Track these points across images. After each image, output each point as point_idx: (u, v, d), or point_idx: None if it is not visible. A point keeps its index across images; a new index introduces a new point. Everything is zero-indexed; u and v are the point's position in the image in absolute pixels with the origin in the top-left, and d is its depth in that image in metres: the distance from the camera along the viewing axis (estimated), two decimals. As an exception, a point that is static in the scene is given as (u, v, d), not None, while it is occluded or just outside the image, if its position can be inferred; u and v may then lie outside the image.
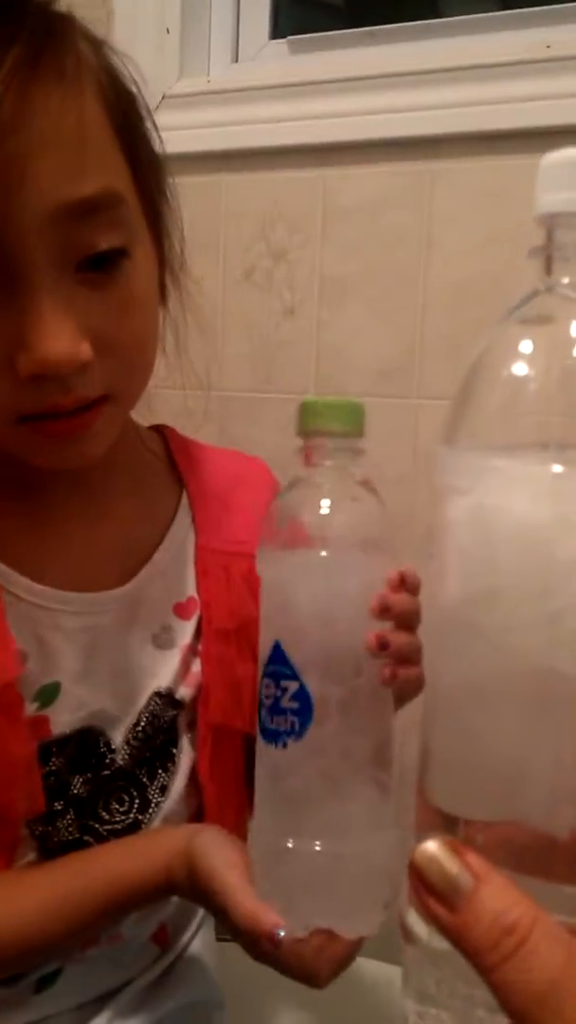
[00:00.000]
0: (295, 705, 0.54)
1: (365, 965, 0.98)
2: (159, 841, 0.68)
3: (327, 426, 0.55)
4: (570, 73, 1.15)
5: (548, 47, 1.17)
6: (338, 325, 1.28)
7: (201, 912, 0.88)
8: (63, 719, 0.71)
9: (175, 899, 0.81)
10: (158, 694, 0.76)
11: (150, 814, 0.76)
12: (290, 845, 0.54)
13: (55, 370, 0.58)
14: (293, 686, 0.54)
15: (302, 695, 0.54)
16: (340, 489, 0.55)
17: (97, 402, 0.62)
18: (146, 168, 0.65)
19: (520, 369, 0.33)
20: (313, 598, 0.54)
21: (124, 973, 0.80)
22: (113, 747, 0.74)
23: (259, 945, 0.58)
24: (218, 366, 1.34)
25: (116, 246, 0.60)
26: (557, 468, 0.32)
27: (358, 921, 0.56)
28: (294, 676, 0.54)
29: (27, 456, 0.65)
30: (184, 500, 0.80)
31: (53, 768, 0.71)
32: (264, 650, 0.56)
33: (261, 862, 0.58)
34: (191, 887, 0.63)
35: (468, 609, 0.34)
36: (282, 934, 0.55)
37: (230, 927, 0.60)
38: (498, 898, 0.30)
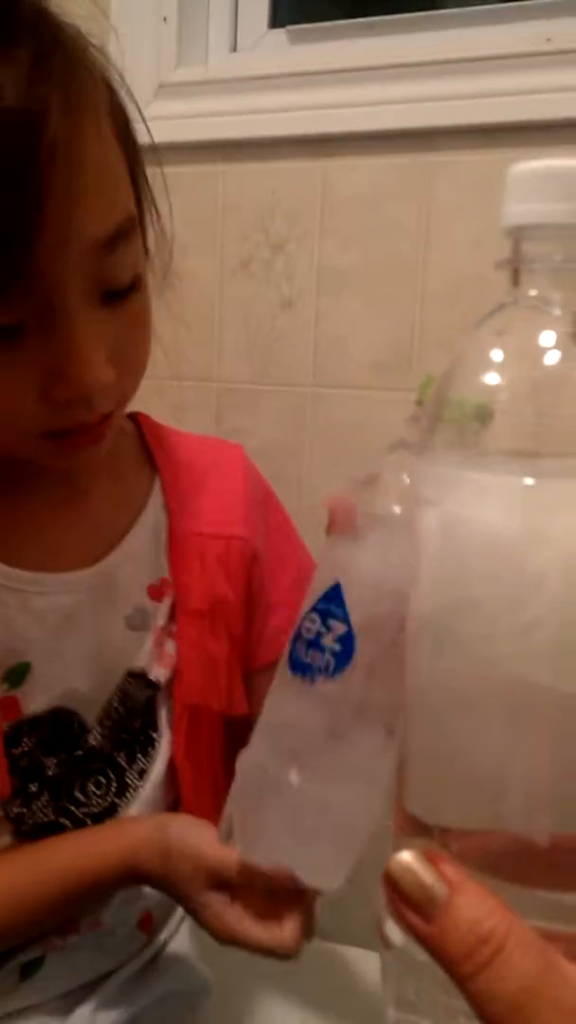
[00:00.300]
0: (337, 647, 0.54)
1: (349, 953, 0.99)
2: (124, 830, 0.71)
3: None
4: (570, 66, 1.14)
5: (548, 40, 1.16)
6: (336, 316, 1.28)
7: None
8: (35, 700, 0.72)
9: None
10: (131, 674, 0.77)
11: (127, 798, 0.77)
12: (277, 775, 0.55)
13: (90, 393, 0.60)
14: (340, 628, 0.54)
15: (347, 640, 0.54)
16: None
17: (110, 416, 0.65)
18: (141, 175, 0.66)
19: (489, 381, 0.33)
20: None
21: (110, 961, 0.81)
22: (87, 727, 0.75)
23: (225, 923, 0.64)
24: (216, 357, 1.34)
25: (136, 275, 0.62)
26: (527, 480, 0.32)
27: (321, 873, 0.57)
28: (344, 620, 0.54)
29: (41, 462, 0.67)
30: (157, 484, 0.81)
31: (26, 749, 0.72)
32: (320, 585, 0.56)
33: (243, 785, 0.58)
34: (163, 872, 0.66)
35: (442, 618, 0.34)
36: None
37: (202, 901, 0.64)
38: (473, 907, 0.30)
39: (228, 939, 0.65)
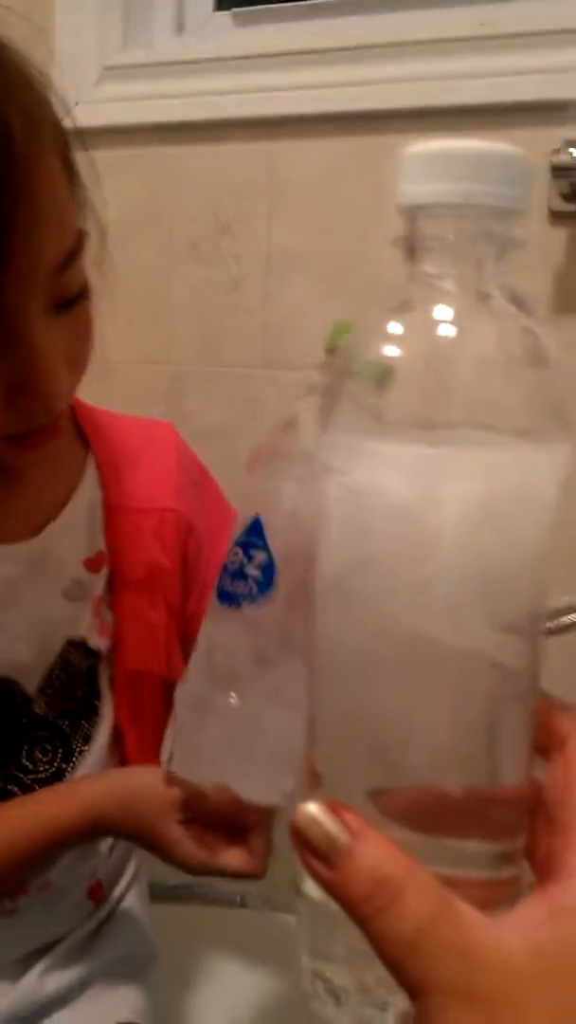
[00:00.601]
0: (258, 575, 0.58)
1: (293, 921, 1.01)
2: (81, 787, 0.75)
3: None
4: (509, 50, 1.16)
5: (482, 24, 1.17)
6: (285, 299, 1.29)
7: (134, 866, 0.91)
8: None
9: (109, 852, 0.86)
10: (71, 643, 0.79)
11: (74, 763, 0.80)
12: (211, 697, 0.58)
13: (53, 400, 0.62)
14: (262, 557, 0.58)
15: (268, 568, 0.58)
16: None
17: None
18: (79, 182, 0.67)
19: (388, 355, 0.34)
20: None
21: (58, 928, 0.83)
22: (29, 696, 0.77)
23: (194, 854, 0.69)
24: (166, 340, 1.35)
25: (83, 283, 0.64)
26: (423, 447, 0.33)
27: (257, 785, 0.60)
28: (265, 549, 0.58)
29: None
30: (91, 462, 0.83)
31: None
32: (242, 521, 0.60)
33: (180, 711, 0.61)
34: (125, 817, 0.71)
35: (346, 577, 0.35)
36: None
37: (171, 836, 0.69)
38: (373, 854, 0.31)
39: (200, 869, 0.69)
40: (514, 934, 0.31)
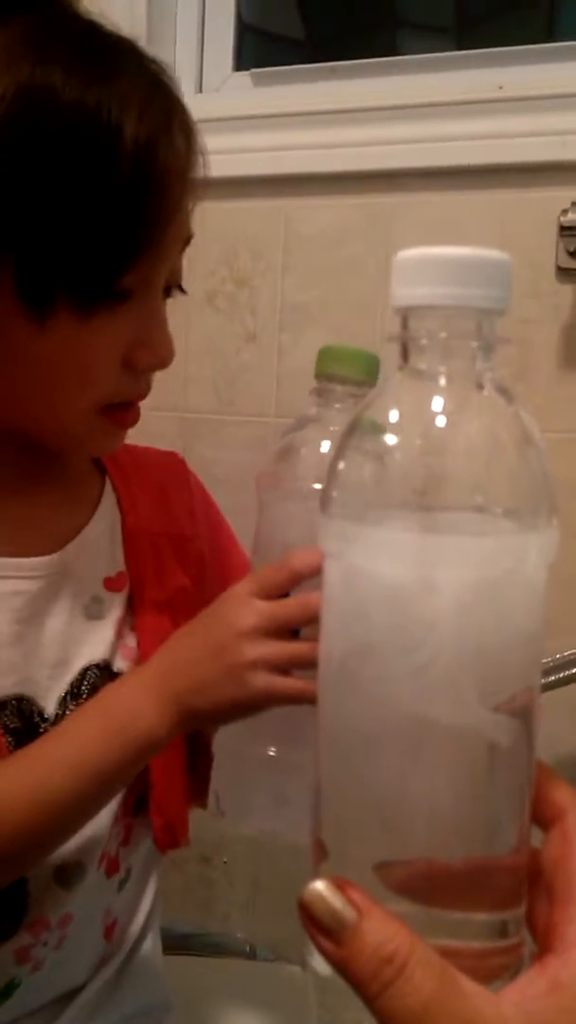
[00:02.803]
0: None
1: (300, 972, 1.01)
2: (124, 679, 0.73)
3: (341, 371, 0.64)
4: (520, 113, 1.19)
5: (500, 88, 1.21)
6: (298, 350, 1.32)
7: (148, 907, 0.89)
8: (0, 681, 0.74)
9: (120, 887, 0.83)
10: (96, 666, 0.79)
11: None
12: (248, 748, 0.58)
13: (165, 364, 0.73)
14: None
15: None
16: None
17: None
18: None
19: (383, 443, 0.37)
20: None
21: (78, 973, 0.82)
22: (45, 716, 0.76)
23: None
24: (182, 388, 1.38)
25: (179, 279, 0.76)
26: (418, 533, 0.35)
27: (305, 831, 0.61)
28: None
29: (82, 442, 0.77)
30: (108, 485, 0.85)
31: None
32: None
33: (224, 762, 0.61)
34: (185, 643, 0.70)
35: (345, 661, 0.37)
36: None
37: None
38: (378, 930, 0.32)
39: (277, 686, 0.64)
40: (514, 1007, 0.32)
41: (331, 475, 0.37)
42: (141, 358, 0.71)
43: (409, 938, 0.32)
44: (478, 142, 1.20)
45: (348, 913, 0.33)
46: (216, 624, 0.68)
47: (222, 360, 1.36)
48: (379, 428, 0.36)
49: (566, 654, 1.11)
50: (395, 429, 0.37)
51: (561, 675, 1.11)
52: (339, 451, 0.37)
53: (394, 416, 0.37)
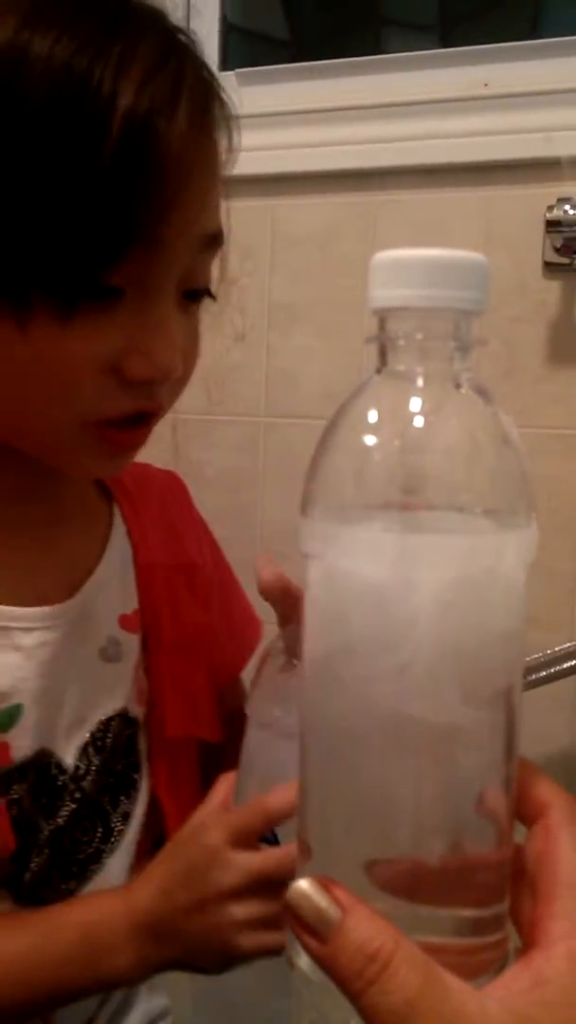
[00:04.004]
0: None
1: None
2: (77, 909, 0.68)
3: None
4: (505, 110, 1.19)
5: (485, 85, 1.21)
6: (287, 350, 1.32)
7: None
8: (23, 743, 0.69)
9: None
10: (118, 716, 0.75)
11: (112, 843, 0.75)
12: None
13: (165, 376, 0.62)
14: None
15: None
16: None
17: (153, 417, 0.66)
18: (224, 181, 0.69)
19: (361, 444, 0.37)
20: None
21: (83, 1013, 0.77)
22: (64, 768, 0.72)
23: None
24: (171, 389, 1.38)
25: (208, 283, 0.67)
26: (397, 533, 0.36)
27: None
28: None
29: (74, 460, 0.67)
30: (116, 513, 0.80)
31: (15, 797, 0.68)
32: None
33: None
34: (163, 892, 0.64)
35: (327, 662, 0.37)
36: None
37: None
38: (362, 927, 0.32)
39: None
40: (498, 1004, 0.32)
41: (310, 476, 0.38)
42: (133, 367, 0.60)
43: (393, 935, 0.32)
44: (464, 140, 1.21)
45: (332, 911, 0.33)
46: (197, 881, 0.63)
47: (211, 360, 1.36)
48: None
49: (555, 649, 1.12)
50: (374, 430, 0.37)
51: (551, 670, 1.11)
52: (318, 452, 0.37)
53: (373, 417, 0.37)
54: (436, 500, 0.36)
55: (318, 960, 0.33)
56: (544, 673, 1.10)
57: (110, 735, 0.75)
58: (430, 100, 1.23)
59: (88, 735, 0.74)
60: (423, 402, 0.36)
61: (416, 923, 0.35)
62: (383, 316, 0.37)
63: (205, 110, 0.61)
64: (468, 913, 0.37)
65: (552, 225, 1.16)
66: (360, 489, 0.37)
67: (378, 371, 0.37)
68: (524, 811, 0.38)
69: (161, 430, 1.36)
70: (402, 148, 1.23)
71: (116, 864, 0.76)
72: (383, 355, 0.37)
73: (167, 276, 0.61)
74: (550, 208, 1.15)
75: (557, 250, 1.18)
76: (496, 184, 1.21)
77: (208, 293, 0.67)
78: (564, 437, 1.19)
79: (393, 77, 1.30)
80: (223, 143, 0.65)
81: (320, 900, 0.33)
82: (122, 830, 0.76)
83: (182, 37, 0.61)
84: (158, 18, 0.61)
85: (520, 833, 0.39)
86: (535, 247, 1.18)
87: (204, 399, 1.37)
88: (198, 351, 0.69)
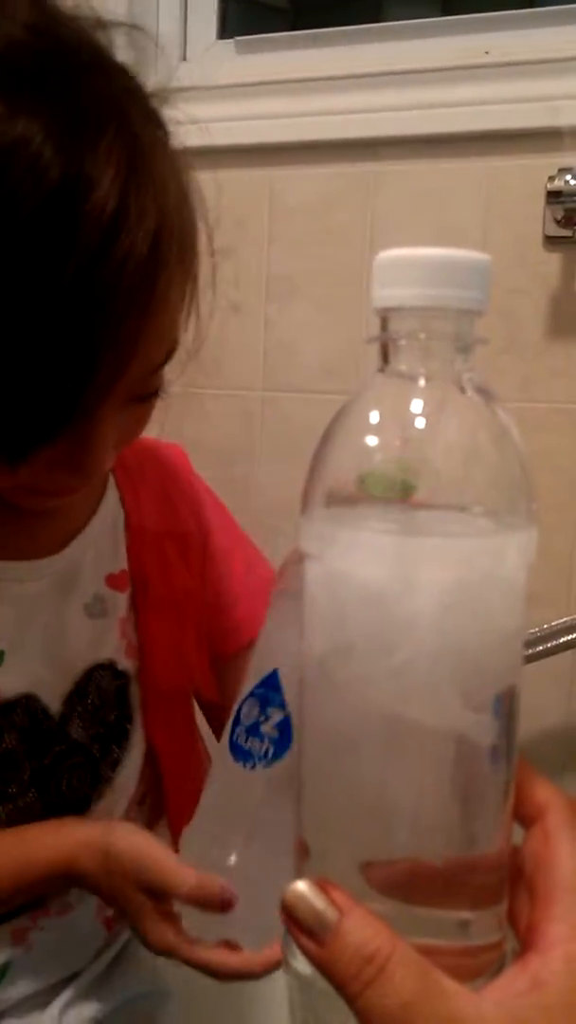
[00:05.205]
0: (275, 734, 0.55)
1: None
2: (69, 829, 0.71)
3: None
4: (506, 79, 1.18)
5: (486, 53, 1.20)
6: (284, 322, 1.31)
7: None
8: (6, 686, 0.74)
9: None
10: (101, 666, 0.79)
11: (100, 790, 0.79)
12: (220, 857, 0.56)
13: (90, 484, 0.64)
14: (278, 715, 0.55)
15: (285, 727, 0.55)
16: None
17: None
18: (195, 286, 0.68)
19: (363, 444, 0.37)
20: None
21: (75, 960, 0.83)
22: (50, 714, 0.77)
23: (162, 932, 0.63)
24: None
25: (160, 384, 0.66)
26: (397, 535, 0.35)
27: (258, 936, 0.59)
28: (281, 707, 0.55)
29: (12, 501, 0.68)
30: (111, 483, 0.83)
31: (7, 747, 0.74)
32: (258, 668, 0.57)
33: (185, 862, 0.60)
34: (101, 870, 0.67)
35: (326, 663, 0.37)
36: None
37: (139, 902, 0.64)
38: (360, 930, 0.32)
39: (164, 948, 0.65)
40: (495, 1006, 0.32)
41: (311, 475, 0.37)
42: (60, 473, 0.61)
43: (390, 938, 0.32)
44: (464, 109, 1.19)
45: (330, 913, 0.33)
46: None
47: (207, 333, 1.35)
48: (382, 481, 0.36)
49: (552, 624, 1.12)
50: (375, 430, 0.37)
51: (547, 645, 1.12)
52: (319, 451, 0.37)
53: (374, 417, 0.37)
54: (437, 501, 0.36)
55: (315, 962, 0.33)
56: (540, 648, 1.11)
57: (94, 684, 0.78)
58: (430, 69, 1.21)
59: (73, 684, 0.78)
60: (425, 402, 0.36)
61: (413, 925, 0.35)
62: (385, 316, 0.37)
63: (164, 244, 0.56)
64: (465, 915, 0.37)
65: (553, 196, 1.15)
66: (361, 489, 0.37)
67: (380, 370, 0.37)
68: (522, 812, 0.39)
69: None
70: (402, 117, 1.22)
71: (105, 810, 0.80)
72: (385, 355, 0.37)
73: (103, 407, 0.58)
74: (551, 179, 1.14)
75: (558, 222, 1.17)
76: (497, 154, 1.20)
77: (159, 391, 0.66)
78: (564, 411, 1.19)
79: (393, 45, 1.28)
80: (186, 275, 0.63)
81: (317, 902, 0.33)
82: (111, 777, 0.80)
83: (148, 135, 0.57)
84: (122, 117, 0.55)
85: (518, 834, 0.39)
86: (535, 219, 1.17)
87: (198, 371, 1.36)
88: (142, 429, 0.69)
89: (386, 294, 0.36)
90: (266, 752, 0.55)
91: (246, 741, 0.56)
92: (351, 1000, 0.32)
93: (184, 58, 1.41)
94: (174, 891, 0.60)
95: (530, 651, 1.10)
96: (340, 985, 0.32)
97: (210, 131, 1.29)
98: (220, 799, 0.58)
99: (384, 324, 0.37)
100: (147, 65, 0.66)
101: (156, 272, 0.55)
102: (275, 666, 0.56)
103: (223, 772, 0.58)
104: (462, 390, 0.37)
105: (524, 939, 0.36)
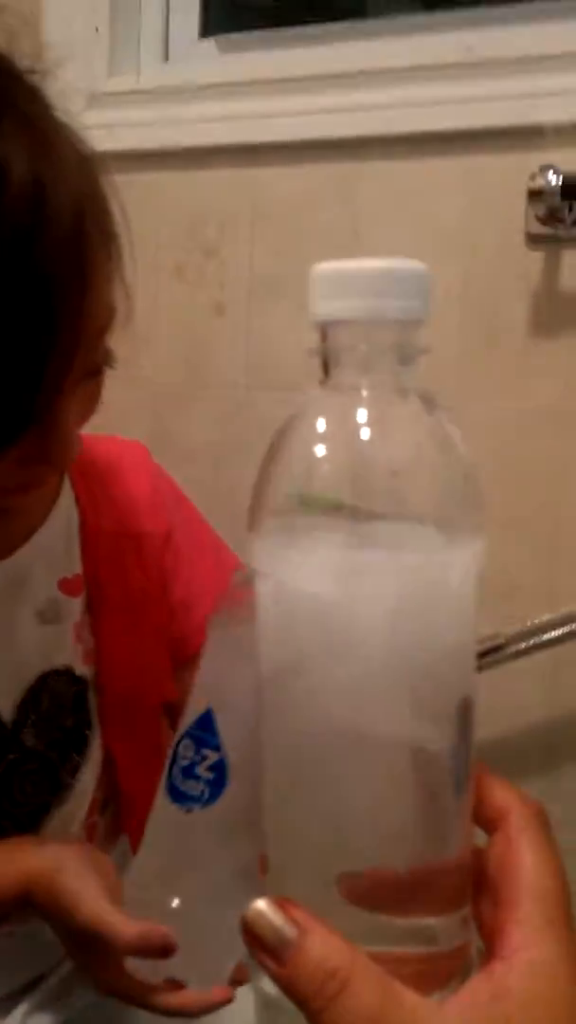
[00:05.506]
0: (210, 776, 0.54)
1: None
2: (22, 860, 0.70)
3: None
4: (489, 76, 1.18)
5: (468, 50, 1.19)
6: (267, 322, 1.31)
7: None
8: None
9: None
10: (56, 672, 0.78)
11: (61, 796, 0.79)
12: (160, 901, 0.56)
13: (64, 471, 0.64)
14: (213, 757, 0.54)
15: (220, 768, 0.54)
16: None
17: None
18: (118, 254, 0.67)
19: (307, 458, 0.37)
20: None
21: (42, 964, 0.83)
22: (3, 722, 0.76)
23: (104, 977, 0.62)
24: (151, 361, 1.38)
25: (108, 355, 0.66)
26: (344, 549, 0.36)
27: (208, 979, 0.59)
28: (217, 748, 0.54)
29: None
30: (67, 483, 0.82)
31: None
32: (193, 711, 0.56)
33: (130, 904, 0.59)
34: (52, 909, 0.66)
35: (278, 678, 0.37)
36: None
37: (91, 955, 0.63)
38: (320, 946, 0.32)
39: (106, 991, 0.64)
40: (457, 1018, 0.32)
41: (256, 492, 0.38)
42: (34, 467, 0.63)
43: (351, 953, 0.32)
44: (446, 106, 1.19)
45: (289, 931, 0.33)
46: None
47: (191, 332, 1.36)
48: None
49: (535, 621, 1.12)
50: (319, 443, 0.37)
51: (531, 642, 1.12)
52: (263, 467, 0.37)
53: (318, 430, 0.37)
54: (383, 513, 0.36)
55: (276, 980, 0.33)
56: (522, 645, 1.11)
57: (48, 691, 0.78)
58: (412, 67, 1.21)
59: (25, 691, 0.77)
60: (368, 414, 0.36)
61: (377, 934, 0.35)
62: (325, 328, 0.37)
63: (86, 213, 0.57)
64: (430, 921, 0.37)
65: (534, 194, 1.15)
66: (306, 504, 0.37)
67: (321, 383, 0.37)
68: (483, 817, 0.39)
69: (140, 403, 1.37)
70: (384, 115, 1.22)
71: (67, 815, 0.80)
72: (326, 367, 0.37)
73: (57, 391, 0.59)
74: (533, 176, 1.14)
75: (540, 219, 1.16)
76: (479, 152, 1.19)
77: (108, 361, 0.66)
78: (545, 410, 1.19)
79: (375, 44, 1.28)
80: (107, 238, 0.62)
81: (277, 920, 0.33)
82: (71, 784, 0.79)
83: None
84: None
85: (480, 838, 0.39)
86: (517, 216, 1.17)
87: (183, 370, 1.37)
88: (98, 401, 0.69)
89: (325, 307, 0.36)
90: (202, 794, 0.54)
91: (183, 783, 0.55)
92: (314, 1017, 0.32)
93: (166, 58, 1.41)
94: (114, 944, 0.59)
95: (511, 649, 1.11)
96: (302, 1002, 0.32)
97: (193, 131, 1.30)
98: (160, 839, 0.57)
99: (324, 336, 0.37)
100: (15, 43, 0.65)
101: (84, 241, 0.56)
102: (209, 704, 0.55)
103: (163, 813, 0.57)
104: (406, 400, 0.37)
105: (489, 943, 0.36)
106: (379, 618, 0.35)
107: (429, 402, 0.37)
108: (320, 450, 0.37)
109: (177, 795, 0.55)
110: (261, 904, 0.34)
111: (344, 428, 0.37)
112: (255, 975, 0.37)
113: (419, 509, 0.37)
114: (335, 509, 0.36)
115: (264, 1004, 0.38)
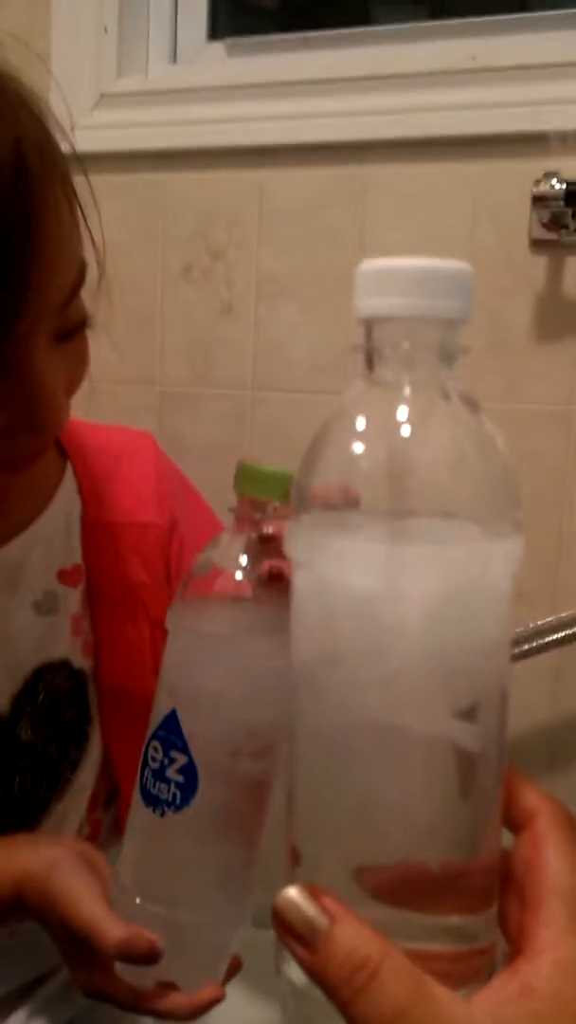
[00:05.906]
0: (180, 779, 0.53)
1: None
2: (15, 860, 0.67)
3: (254, 493, 0.57)
4: (493, 83, 1.19)
5: (474, 58, 1.21)
6: (274, 322, 1.32)
7: None
8: None
9: None
10: (52, 665, 0.77)
11: (61, 791, 0.78)
12: (143, 908, 0.56)
13: (53, 438, 0.62)
14: (181, 759, 0.54)
15: (190, 770, 0.53)
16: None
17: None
18: (80, 209, 0.66)
19: (350, 452, 0.37)
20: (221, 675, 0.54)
21: (43, 964, 0.82)
22: (1, 715, 0.75)
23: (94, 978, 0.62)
24: (158, 361, 1.38)
25: (83, 314, 0.64)
26: (385, 543, 0.36)
27: (196, 983, 0.59)
28: (184, 750, 0.53)
29: None
30: (69, 473, 0.81)
31: None
32: (159, 712, 0.55)
33: (115, 905, 0.59)
34: (44, 910, 0.64)
35: (315, 670, 0.38)
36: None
37: (82, 958, 0.62)
38: (351, 936, 0.33)
39: (95, 992, 0.63)
40: (486, 1014, 0.32)
41: (298, 484, 0.38)
42: (20, 434, 0.62)
43: (381, 944, 0.33)
44: (451, 112, 1.20)
45: (321, 920, 0.33)
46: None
47: (198, 332, 1.36)
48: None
49: (538, 623, 1.13)
50: (361, 439, 0.37)
51: (535, 643, 1.13)
52: (306, 460, 0.38)
53: (360, 426, 0.38)
54: (423, 509, 0.37)
55: (306, 969, 0.33)
56: (526, 647, 1.12)
57: (44, 684, 0.76)
58: (418, 73, 1.22)
59: (22, 684, 0.76)
60: (410, 411, 0.37)
61: (405, 930, 0.36)
62: (369, 325, 0.37)
63: (28, 154, 0.56)
64: (456, 920, 0.37)
65: (539, 200, 1.16)
66: (347, 498, 0.37)
67: (365, 379, 0.38)
68: (511, 818, 0.39)
69: (147, 403, 1.38)
70: (389, 120, 1.23)
71: (68, 810, 0.79)
72: (370, 363, 0.38)
73: (31, 349, 0.59)
74: (537, 183, 1.15)
75: (544, 225, 1.18)
76: (483, 158, 1.21)
77: (85, 320, 0.65)
78: (549, 412, 1.20)
79: (381, 49, 1.29)
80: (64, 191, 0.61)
81: (309, 909, 0.34)
82: (70, 779, 0.78)
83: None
84: None
85: (507, 839, 0.39)
86: (522, 222, 1.18)
87: (189, 370, 1.37)
88: (86, 366, 0.68)
89: (371, 303, 0.37)
90: (173, 798, 0.54)
91: (154, 786, 0.55)
92: (343, 1007, 0.32)
93: (174, 60, 1.41)
94: (101, 948, 0.58)
95: (516, 650, 1.11)
96: (331, 991, 0.32)
97: (201, 132, 1.31)
98: (139, 843, 0.57)
99: (368, 333, 0.37)
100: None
101: (28, 182, 0.55)
102: (173, 705, 0.54)
103: (139, 816, 0.56)
104: (447, 399, 0.38)
105: (514, 943, 0.36)
106: (418, 612, 0.35)
107: (470, 401, 0.38)
108: (361, 446, 0.37)
109: (150, 799, 0.55)
110: (292, 892, 0.34)
111: (386, 425, 0.37)
112: (282, 963, 0.37)
113: (459, 506, 0.37)
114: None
115: (291, 992, 0.38)
